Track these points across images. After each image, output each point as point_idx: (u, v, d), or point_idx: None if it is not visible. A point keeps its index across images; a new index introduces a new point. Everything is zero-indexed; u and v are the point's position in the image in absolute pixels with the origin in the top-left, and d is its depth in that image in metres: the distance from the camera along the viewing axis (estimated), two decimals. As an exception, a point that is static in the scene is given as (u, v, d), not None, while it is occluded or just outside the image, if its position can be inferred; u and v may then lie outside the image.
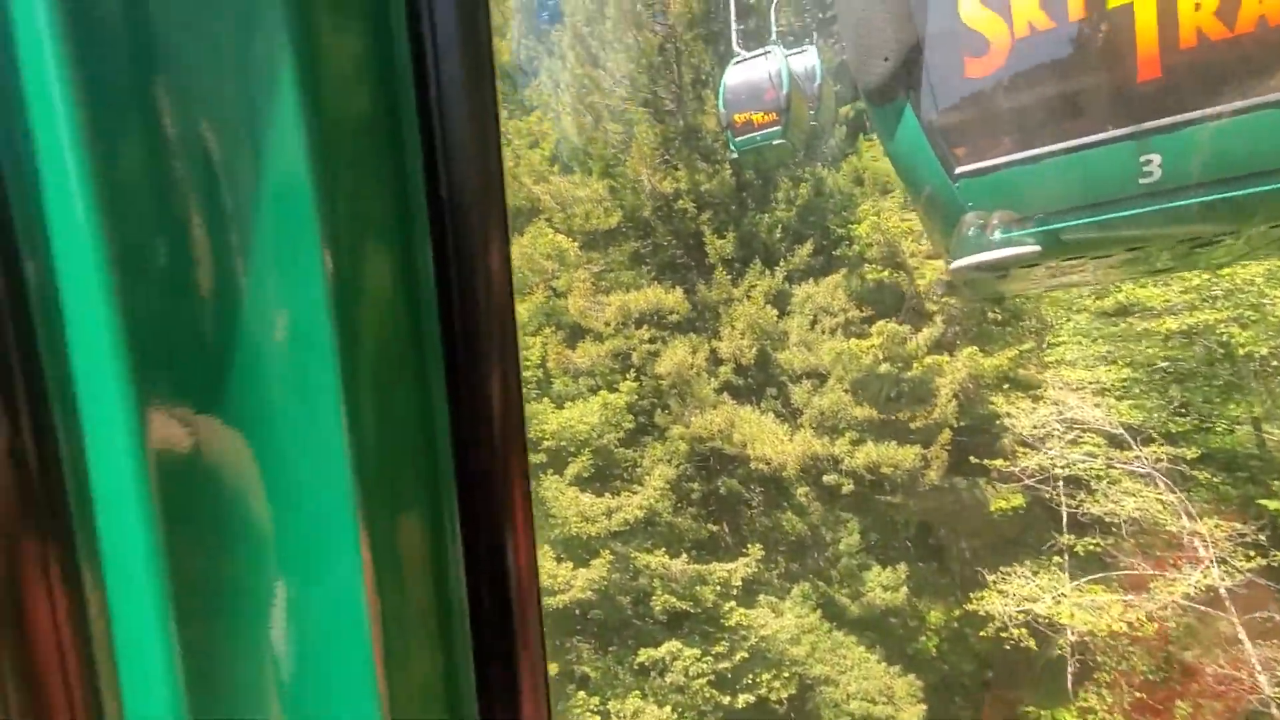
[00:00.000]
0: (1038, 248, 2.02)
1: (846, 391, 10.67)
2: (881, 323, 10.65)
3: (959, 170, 2.10)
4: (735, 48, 8.26)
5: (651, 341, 10.68)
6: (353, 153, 0.48)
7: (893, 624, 12.13)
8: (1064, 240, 2.02)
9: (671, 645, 10.04)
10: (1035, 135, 1.95)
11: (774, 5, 8.71)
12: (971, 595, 11.14)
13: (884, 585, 11.58)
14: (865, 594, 11.47)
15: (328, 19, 0.46)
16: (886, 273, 11.04)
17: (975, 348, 11.15)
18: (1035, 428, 10.70)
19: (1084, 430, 10.54)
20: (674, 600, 10.13)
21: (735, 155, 8.86)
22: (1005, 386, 11.45)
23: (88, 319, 0.43)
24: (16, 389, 0.43)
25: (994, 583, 10.71)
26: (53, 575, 0.44)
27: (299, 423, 0.47)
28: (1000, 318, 11.98)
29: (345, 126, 0.47)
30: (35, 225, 0.42)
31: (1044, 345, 12.26)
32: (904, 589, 11.69)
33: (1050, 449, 10.59)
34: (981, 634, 11.00)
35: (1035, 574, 10.72)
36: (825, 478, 10.89)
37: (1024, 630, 10.30)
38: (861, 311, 11.06)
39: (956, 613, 12.10)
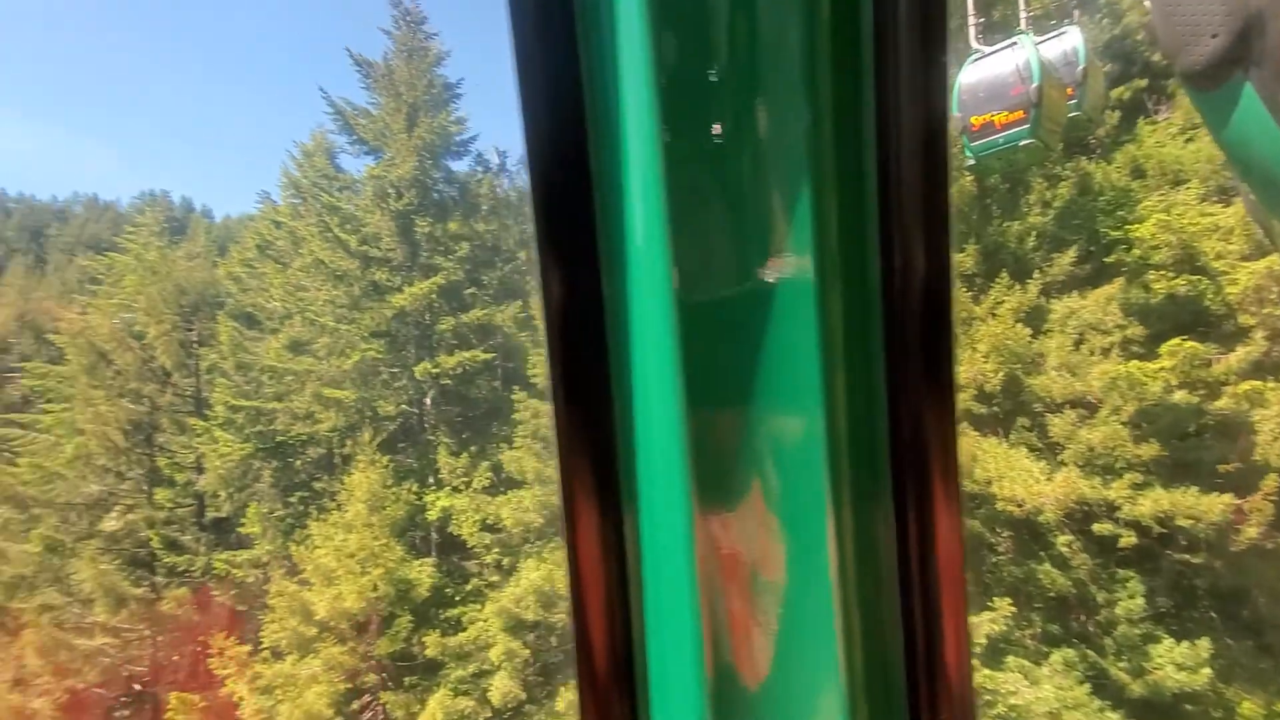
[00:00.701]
0: None
1: (1125, 424, 8.95)
2: (1174, 341, 8.78)
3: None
4: (974, 44, 7.45)
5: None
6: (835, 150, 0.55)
7: (1189, 712, 9.83)
8: None
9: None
10: None
11: (1024, -13, 7.72)
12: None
13: (1178, 663, 9.44)
14: (1151, 671, 9.45)
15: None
16: (1180, 280, 9.10)
17: (1317, 372, 8.69)
18: None
19: None
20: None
21: (972, 162, 7.98)
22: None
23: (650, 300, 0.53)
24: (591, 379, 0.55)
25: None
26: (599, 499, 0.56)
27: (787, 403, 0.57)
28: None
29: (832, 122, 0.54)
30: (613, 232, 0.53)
31: None
32: (1206, 670, 9.42)
33: None
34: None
35: None
36: (1096, 526, 9.21)
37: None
38: (1145, 328, 9.23)
39: (1284, 708, 9.46)
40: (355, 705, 9.66)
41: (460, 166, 15.64)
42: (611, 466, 0.56)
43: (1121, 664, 9.59)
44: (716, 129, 0.53)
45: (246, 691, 9.74)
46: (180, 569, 12.65)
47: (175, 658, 11.88)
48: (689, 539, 0.55)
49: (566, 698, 9.51)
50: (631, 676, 0.57)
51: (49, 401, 17.99)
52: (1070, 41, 7.84)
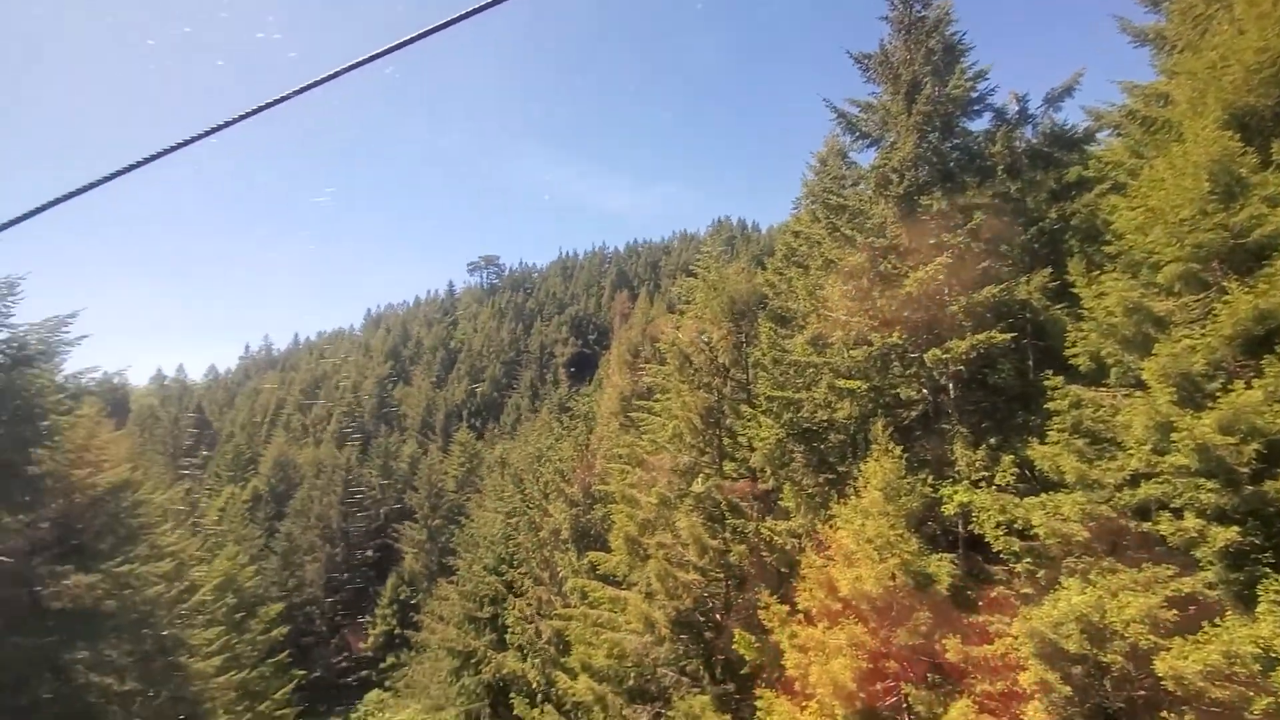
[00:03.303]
0: None
1: None
2: None
3: None
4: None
5: None
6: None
7: None
8: None
9: None
10: None
11: None
12: None
13: None
14: None
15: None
16: None
17: None
18: None
19: None
20: None
21: None
22: None
23: None
24: None
25: None
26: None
27: None
28: None
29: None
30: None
31: None
32: None
33: None
34: None
35: None
36: None
37: None
38: None
39: None
40: (878, 686, 9.97)
41: (978, 125, 14.30)
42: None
43: None
44: None
45: (786, 645, 11.23)
46: (739, 529, 15.49)
47: (739, 601, 14.67)
48: None
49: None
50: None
51: (661, 393, 24.57)
52: None
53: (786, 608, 11.83)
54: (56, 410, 17.03)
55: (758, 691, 11.84)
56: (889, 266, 13.89)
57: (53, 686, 15.49)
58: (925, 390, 13.79)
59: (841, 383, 13.96)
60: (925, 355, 12.68)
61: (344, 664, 44.82)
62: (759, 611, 12.21)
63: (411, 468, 59.56)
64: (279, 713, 27.03)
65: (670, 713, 14.16)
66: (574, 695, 16.91)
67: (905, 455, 11.84)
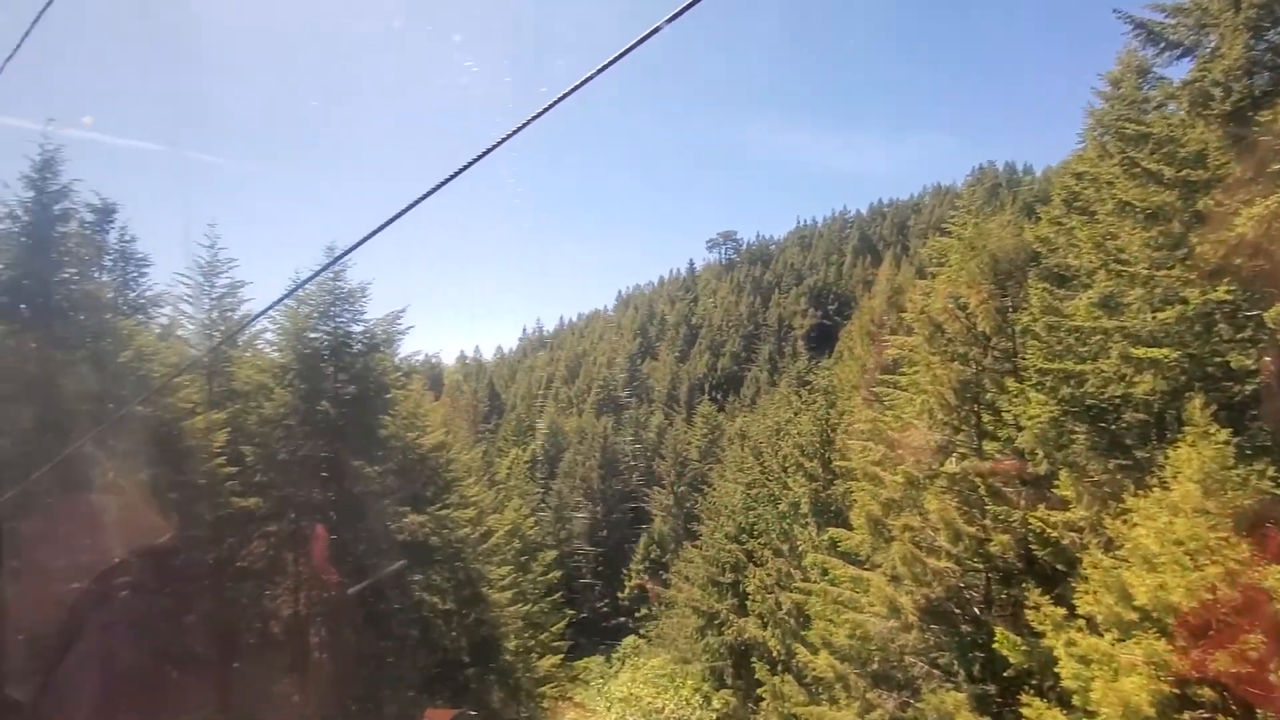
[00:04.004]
0: None
1: None
2: None
3: None
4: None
5: None
6: None
7: None
8: None
9: None
10: None
11: None
12: None
13: None
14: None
15: None
16: None
17: None
18: None
19: None
20: None
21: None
22: None
23: None
24: None
25: None
26: None
27: None
28: None
29: None
30: None
31: None
32: None
33: None
34: None
35: None
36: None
37: None
38: None
39: None
40: (1185, 717, 8.27)
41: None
42: None
43: None
44: None
45: (1062, 653, 9.84)
46: (1001, 517, 13.82)
47: (1002, 596, 13.16)
48: None
49: None
50: None
51: (908, 365, 22.84)
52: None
53: (1063, 611, 10.36)
54: (395, 386, 21.72)
55: (1024, 699, 10.62)
56: (1211, 204, 11.09)
57: (399, 599, 19.98)
58: (1268, 358, 10.81)
59: (1141, 351, 11.59)
60: (1266, 314, 9.94)
61: (605, 609, 50.17)
62: (1027, 611, 10.88)
63: (659, 437, 63.71)
64: (555, 643, 31.31)
65: (919, 704, 13.38)
66: (814, 670, 16.85)
67: (1234, 440, 9.48)
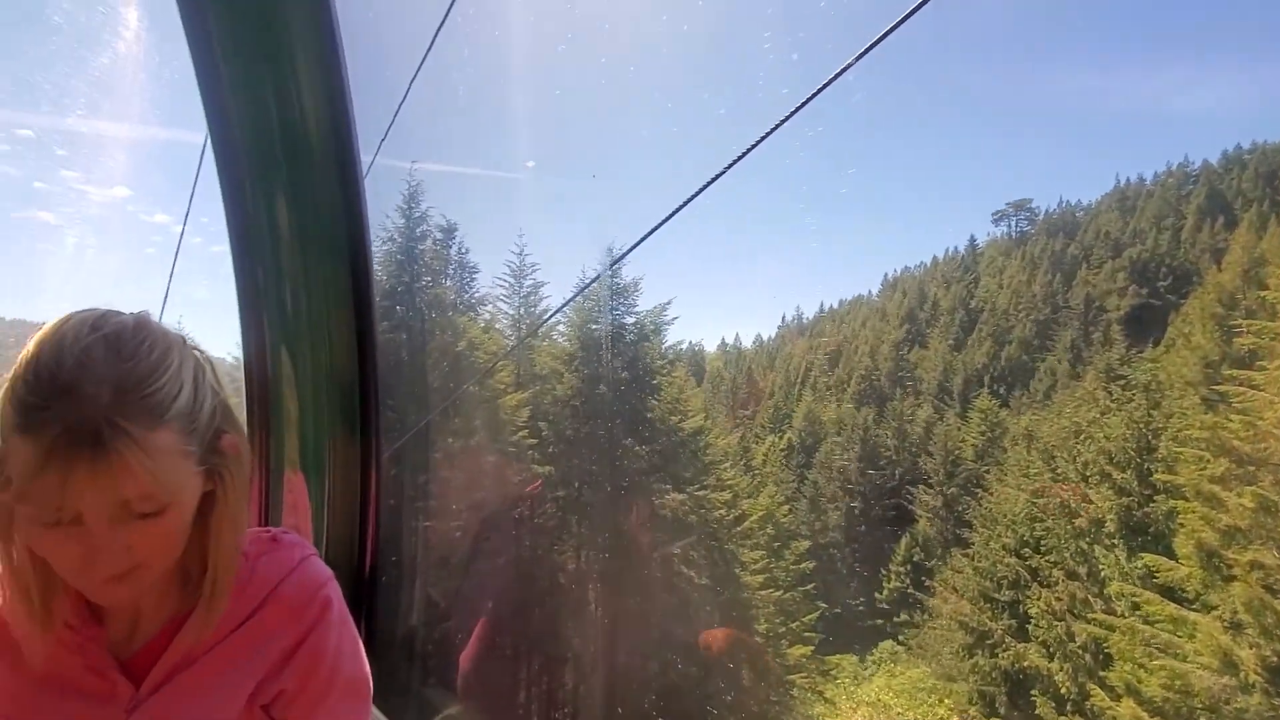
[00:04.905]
0: None
1: None
2: None
3: None
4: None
5: None
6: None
7: None
8: None
9: None
10: None
11: None
12: None
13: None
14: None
15: None
16: None
17: None
18: None
19: None
20: None
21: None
22: None
23: None
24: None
25: None
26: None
27: None
28: None
29: None
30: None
31: None
32: None
33: None
34: None
35: None
36: None
37: None
38: None
39: None
40: None
41: None
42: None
43: None
44: None
45: None
46: None
47: None
48: None
49: None
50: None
51: (1269, 358, 17.95)
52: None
53: None
54: (660, 373, 23.87)
55: None
56: None
57: (660, 569, 22.05)
58: None
59: None
60: None
61: (860, 608, 48.29)
62: None
63: (926, 432, 58.77)
64: (806, 634, 31.34)
65: (1266, 785, 10.79)
66: (1115, 719, 14.51)
67: None
